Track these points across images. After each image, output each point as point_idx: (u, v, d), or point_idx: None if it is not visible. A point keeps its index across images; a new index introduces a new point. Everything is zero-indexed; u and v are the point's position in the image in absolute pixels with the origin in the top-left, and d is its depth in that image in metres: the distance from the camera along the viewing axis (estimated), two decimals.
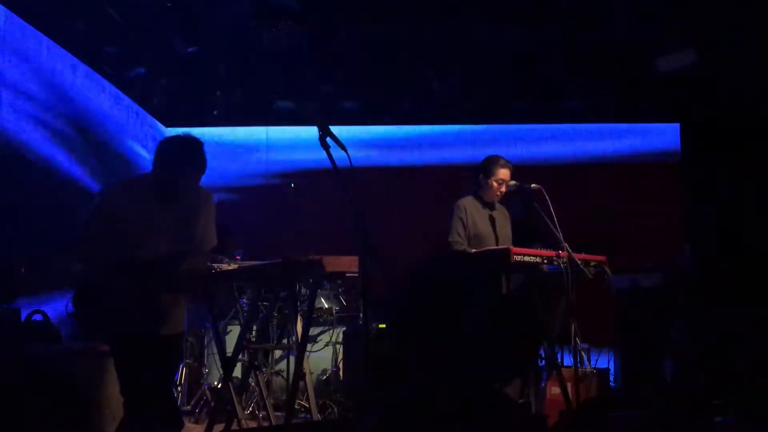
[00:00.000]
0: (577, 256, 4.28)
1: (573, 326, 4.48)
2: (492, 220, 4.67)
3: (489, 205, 4.71)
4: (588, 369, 4.97)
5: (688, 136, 7.55)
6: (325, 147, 3.28)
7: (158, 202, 3.45)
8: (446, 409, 1.41)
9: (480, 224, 4.61)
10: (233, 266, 4.00)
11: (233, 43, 6.36)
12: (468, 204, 4.64)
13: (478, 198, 4.71)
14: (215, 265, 3.95)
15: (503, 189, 4.63)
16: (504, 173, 4.64)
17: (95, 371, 4.15)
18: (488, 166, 4.68)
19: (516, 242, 4.64)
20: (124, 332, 3.34)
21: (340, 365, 5.57)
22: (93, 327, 3.45)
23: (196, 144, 3.43)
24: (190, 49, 6.30)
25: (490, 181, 4.64)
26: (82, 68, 6.16)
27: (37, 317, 4.53)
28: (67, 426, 3.85)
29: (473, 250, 4.45)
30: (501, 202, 4.82)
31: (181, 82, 7.01)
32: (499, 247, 4.47)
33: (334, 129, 3.10)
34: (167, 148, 3.46)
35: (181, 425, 3.77)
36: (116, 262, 3.33)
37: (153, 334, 3.39)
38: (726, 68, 6.48)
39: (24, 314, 4.33)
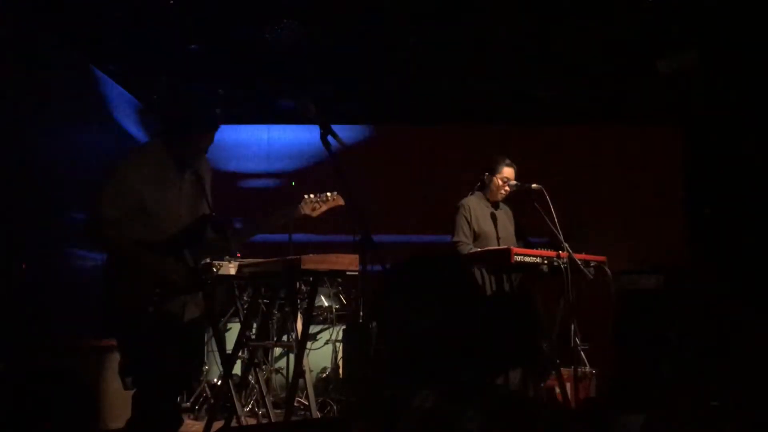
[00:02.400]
0: (578, 257, 4.31)
1: (573, 326, 4.50)
2: (494, 218, 4.71)
3: (493, 204, 4.74)
4: (587, 369, 4.98)
5: (690, 137, 7.55)
6: (327, 145, 3.28)
7: (175, 167, 3.28)
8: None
9: (483, 223, 4.66)
10: (234, 264, 4.00)
11: (235, 40, 6.36)
12: (472, 203, 4.70)
13: (483, 197, 4.75)
14: (215, 263, 3.95)
15: (507, 188, 4.67)
16: (509, 171, 4.70)
17: (96, 366, 4.15)
18: (494, 164, 4.74)
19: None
20: (152, 313, 3.17)
21: (340, 363, 5.58)
22: (118, 311, 3.20)
23: (207, 99, 3.32)
24: (192, 47, 6.30)
25: (495, 178, 4.69)
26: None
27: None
28: (69, 422, 3.83)
29: (472, 250, 4.48)
30: (505, 201, 4.86)
31: (181, 79, 7.00)
32: (500, 247, 4.49)
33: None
34: (179, 106, 3.32)
35: (180, 422, 3.78)
36: (140, 238, 3.15)
37: (180, 315, 3.27)
38: (727, 69, 6.48)
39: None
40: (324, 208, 3.63)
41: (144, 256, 3.20)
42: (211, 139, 3.38)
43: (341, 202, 3.61)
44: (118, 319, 3.24)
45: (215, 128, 3.33)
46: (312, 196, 3.60)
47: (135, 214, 3.19)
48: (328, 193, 3.60)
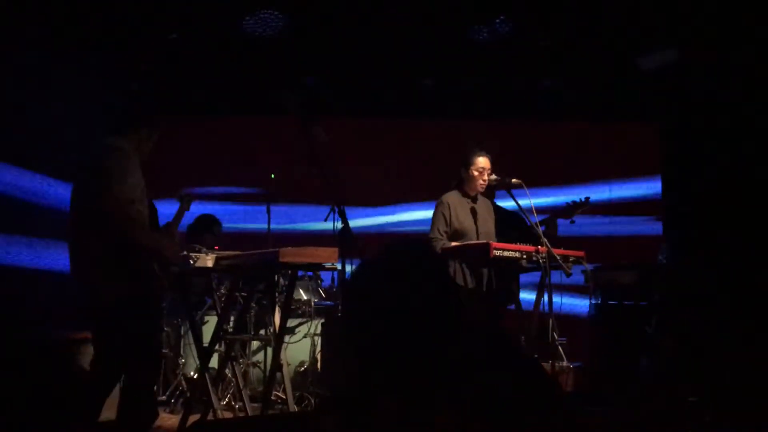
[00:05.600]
0: (556, 252, 4.32)
1: (551, 321, 4.52)
2: (474, 213, 4.69)
3: (472, 198, 4.73)
4: (565, 364, 5.00)
5: (668, 135, 7.61)
6: (307, 137, 3.26)
7: (138, 162, 3.41)
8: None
9: (463, 218, 4.65)
10: (211, 257, 3.96)
11: (215, 31, 6.30)
12: (451, 199, 4.68)
13: (462, 192, 4.73)
14: (193, 255, 3.91)
15: (485, 177, 4.65)
16: (483, 161, 4.68)
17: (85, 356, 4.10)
18: (466, 158, 4.72)
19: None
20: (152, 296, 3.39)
21: (318, 357, 5.56)
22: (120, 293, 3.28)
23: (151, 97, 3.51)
24: (171, 36, 6.22)
25: (470, 171, 4.67)
26: None
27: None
28: (62, 411, 3.77)
29: (453, 244, 4.47)
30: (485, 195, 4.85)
31: (164, 71, 6.92)
32: (479, 241, 4.48)
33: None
34: (137, 104, 3.48)
35: (156, 415, 3.75)
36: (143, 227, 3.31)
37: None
38: (707, 66, 6.53)
39: None
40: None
41: (159, 237, 3.44)
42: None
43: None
44: (129, 303, 3.27)
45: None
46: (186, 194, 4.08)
47: (140, 200, 3.29)
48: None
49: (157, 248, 3.34)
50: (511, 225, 4.88)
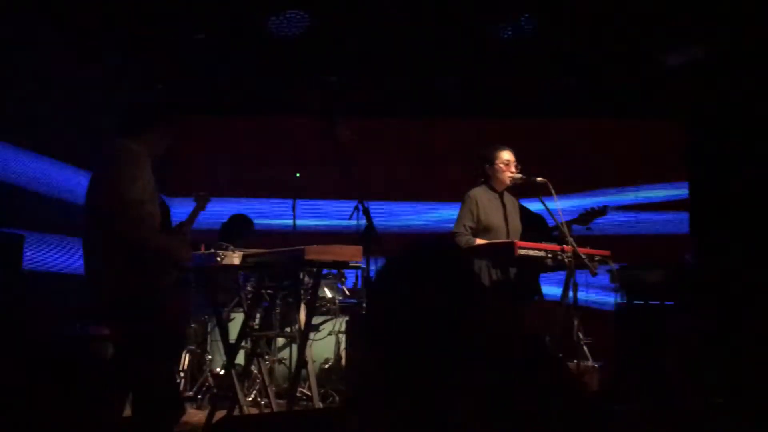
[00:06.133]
0: (582, 251, 4.29)
1: (575, 321, 4.51)
2: (504, 210, 4.66)
3: (500, 195, 4.70)
4: (590, 364, 4.98)
5: (695, 133, 7.53)
6: (332, 136, 3.29)
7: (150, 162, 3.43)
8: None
9: (492, 215, 4.60)
10: (238, 254, 4.01)
11: (240, 30, 6.35)
12: (479, 195, 4.63)
13: (490, 188, 4.70)
14: (220, 252, 3.96)
15: (512, 169, 4.62)
16: (507, 154, 4.66)
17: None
18: (488, 153, 4.70)
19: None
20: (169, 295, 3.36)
21: (342, 354, 5.59)
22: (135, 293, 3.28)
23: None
24: (198, 36, 6.29)
25: (495, 165, 4.64)
26: None
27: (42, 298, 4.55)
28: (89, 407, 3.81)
29: (478, 242, 4.46)
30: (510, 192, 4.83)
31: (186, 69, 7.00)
32: (504, 240, 4.47)
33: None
34: (149, 105, 3.49)
35: (183, 411, 3.79)
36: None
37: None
38: (734, 62, 6.46)
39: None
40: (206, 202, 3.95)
41: (168, 238, 3.37)
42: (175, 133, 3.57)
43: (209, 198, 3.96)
44: (136, 302, 3.27)
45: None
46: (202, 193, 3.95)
47: (151, 200, 3.30)
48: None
49: (167, 249, 3.33)
50: (531, 225, 4.87)
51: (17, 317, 4.05)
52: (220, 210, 3.89)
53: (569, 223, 4.81)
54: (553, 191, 4.37)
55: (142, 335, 3.31)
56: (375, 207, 3.74)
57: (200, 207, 3.91)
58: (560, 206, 4.34)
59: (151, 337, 3.31)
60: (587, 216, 4.91)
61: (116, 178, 3.23)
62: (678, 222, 7.64)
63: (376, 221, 4.70)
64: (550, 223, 4.67)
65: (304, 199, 6.44)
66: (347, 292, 6.10)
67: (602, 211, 4.92)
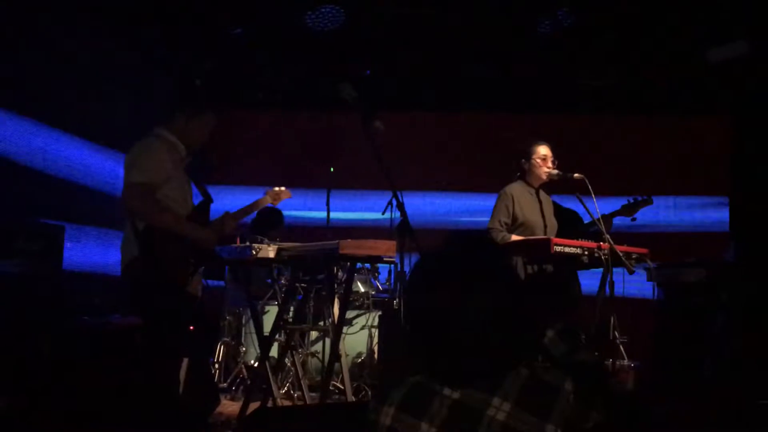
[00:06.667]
0: (619, 248, 4.22)
1: (612, 319, 4.44)
2: (540, 206, 4.62)
3: (536, 191, 4.66)
4: (626, 363, 4.91)
5: (738, 130, 7.37)
6: (369, 132, 3.27)
7: (184, 151, 3.47)
8: None
9: (528, 211, 4.54)
10: (273, 248, 4.04)
11: (277, 25, 6.38)
12: (515, 191, 4.58)
13: (526, 184, 4.66)
14: (255, 245, 3.99)
15: (549, 164, 4.57)
16: (544, 149, 4.61)
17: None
18: (525, 149, 4.65)
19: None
20: (187, 282, 3.35)
21: (375, 349, 5.60)
22: (154, 280, 3.29)
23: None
24: (236, 31, 6.34)
25: (532, 160, 4.59)
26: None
27: (80, 290, 4.63)
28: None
29: (513, 238, 4.41)
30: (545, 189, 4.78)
31: (223, 64, 7.06)
32: (539, 236, 4.42)
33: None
34: (185, 94, 3.52)
35: (218, 401, 3.84)
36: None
37: (197, 296, 3.44)
38: None
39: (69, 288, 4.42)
40: (281, 198, 4.07)
41: (186, 224, 3.34)
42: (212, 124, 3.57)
43: (289, 194, 4.12)
44: (154, 289, 3.29)
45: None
46: (276, 188, 4.07)
47: (168, 185, 3.32)
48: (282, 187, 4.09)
49: (181, 232, 3.31)
50: (565, 222, 4.80)
51: (57, 307, 4.11)
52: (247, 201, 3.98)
53: (612, 216, 4.75)
54: (590, 187, 4.30)
55: (152, 325, 3.35)
56: (409, 200, 3.72)
57: (263, 202, 3.92)
58: (597, 202, 4.27)
59: (160, 328, 3.32)
60: (632, 207, 4.82)
61: (131, 164, 3.30)
62: (718, 221, 7.51)
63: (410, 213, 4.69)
64: (586, 218, 4.60)
65: (337, 189, 6.47)
66: (380, 287, 6.10)
67: (647, 200, 4.83)
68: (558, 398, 1.42)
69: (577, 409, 1.43)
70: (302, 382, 4.54)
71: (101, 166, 5.89)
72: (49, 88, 5.24)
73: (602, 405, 1.48)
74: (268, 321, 5.19)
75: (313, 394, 4.76)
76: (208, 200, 3.57)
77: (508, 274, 1.50)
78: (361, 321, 5.72)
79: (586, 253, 4.22)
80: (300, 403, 4.81)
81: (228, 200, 4.97)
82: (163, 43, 6.51)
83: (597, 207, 4.26)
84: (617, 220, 4.82)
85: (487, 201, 4.86)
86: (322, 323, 5.30)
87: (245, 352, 5.77)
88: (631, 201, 4.84)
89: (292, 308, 5.28)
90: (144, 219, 3.28)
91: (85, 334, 4.17)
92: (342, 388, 4.80)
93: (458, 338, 1.43)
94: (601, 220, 4.28)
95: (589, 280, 4.75)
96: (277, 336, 4.66)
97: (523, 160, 4.65)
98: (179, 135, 3.45)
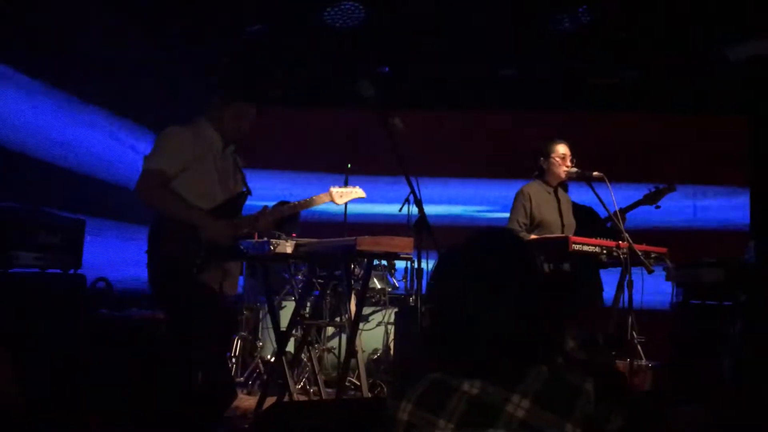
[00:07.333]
0: (638, 248, 4.20)
1: (630, 318, 4.41)
2: (558, 205, 4.60)
3: (554, 190, 4.64)
4: (643, 363, 4.89)
5: (757, 129, 7.30)
6: (387, 129, 3.27)
7: (220, 142, 3.46)
8: None
9: (546, 211, 4.53)
10: (290, 243, 4.05)
11: (295, 22, 6.40)
12: (533, 190, 4.56)
13: (544, 183, 4.64)
14: (272, 241, 4.01)
15: (568, 163, 4.55)
16: (563, 147, 4.59)
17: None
18: (543, 147, 4.64)
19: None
20: (195, 276, 3.28)
21: (391, 345, 5.61)
22: (166, 271, 3.28)
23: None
24: (254, 27, 6.36)
25: (551, 159, 4.57)
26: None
27: (100, 284, 4.67)
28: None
29: (532, 236, 4.40)
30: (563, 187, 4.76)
31: (242, 61, 7.09)
32: (558, 235, 4.41)
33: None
34: (220, 85, 3.55)
35: (235, 395, 3.85)
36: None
37: (220, 289, 3.38)
38: None
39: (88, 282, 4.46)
40: (347, 198, 3.90)
41: (194, 214, 3.29)
42: (253, 117, 3.54)
43: (362, 194, 3.93)
44: (166, 280, 3.30)
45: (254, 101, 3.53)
46: (338, 187, 3.90)
47: (181, 177, 3.31)
48: (353, 187, 3.95)
49: (189, 220, 3.27)
50: (582, 218, 4.78)
51: (76, 301, 4.15)
52: (270, 195, 3.97)
53: (632, 207, 4.73)
54: (609, 186, 4.28)
55: (170, 319, 3.37)
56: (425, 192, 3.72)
57: (321, 200, 3.80)
58: (615, 198, 4.25)
59: (175, 321, 3.34)
60: (655, 195, 4.80)
61: (151, 150, 3.35)
62: (738, 220, 7.44)
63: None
64: (602, 214, 4.58)
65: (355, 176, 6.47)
66: (396, 284, 6.11)
67: (670, 188, 4.80)
68: (578, 398, 1.42)
69: (597, 410, 1.43)
70: (318, 377, 4.55)
71: (122, 161, 5.94)
72: (73, 81, 5.29)
73: (623, 408, 1.48)
74: (285, 316, 5.21)
75: (329, 390, 4.78)
76: (242, 193, 3.55)
77: (536, 270, 1.50)
78: (377, 317, 5.74)
79: (604, 251, 4.20)
80: (316, 398, 4.83)
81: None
82: (183, 38, 6.54)
83: (615, 202, 4.24)
84: (635, 216, 4.79)
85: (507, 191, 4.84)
86: (338, 319, 5.31)
87: (262, 347, 5.80)
88: (653, 189, 4.82)
89: (309, 304, 5.30)
90: (149, 206, 3.31)
91: (103, 327, 4.20)
92: (358, 383, 4.81)
93: (482, 332, 1.43)
94: (618, 216, 4.26)
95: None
96: (293, 331, 4.68)
97: (542, 159, 4.63)
98: (216, 124, 3.47)
